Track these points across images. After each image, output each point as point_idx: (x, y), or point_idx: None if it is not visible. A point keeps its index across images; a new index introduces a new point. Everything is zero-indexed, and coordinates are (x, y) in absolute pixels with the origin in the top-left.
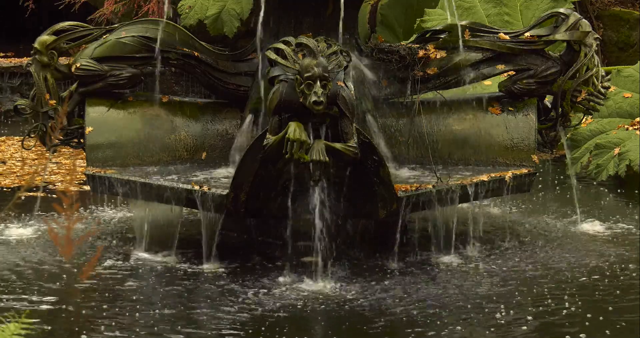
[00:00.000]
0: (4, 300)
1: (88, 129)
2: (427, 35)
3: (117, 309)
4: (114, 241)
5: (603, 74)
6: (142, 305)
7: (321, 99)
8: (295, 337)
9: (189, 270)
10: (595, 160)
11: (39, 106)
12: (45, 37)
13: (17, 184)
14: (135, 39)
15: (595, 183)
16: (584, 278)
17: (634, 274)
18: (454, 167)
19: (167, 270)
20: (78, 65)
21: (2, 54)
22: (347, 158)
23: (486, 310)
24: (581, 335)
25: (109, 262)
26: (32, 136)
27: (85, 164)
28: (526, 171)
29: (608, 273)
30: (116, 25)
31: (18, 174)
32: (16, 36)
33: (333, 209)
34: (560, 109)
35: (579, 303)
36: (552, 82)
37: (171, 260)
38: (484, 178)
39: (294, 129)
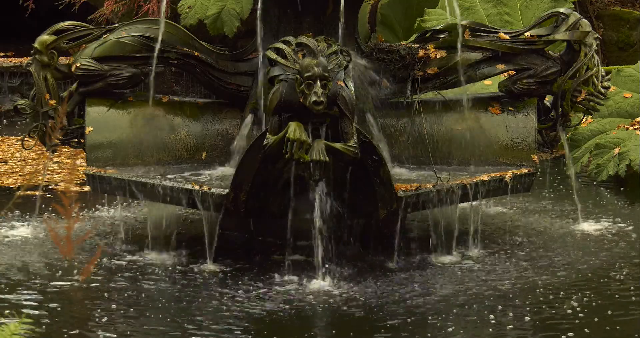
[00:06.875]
0: (4, 299)
1: (88, 129)
2: (427, 35)
3: (117, 309)
4: (114, 241)
5: (603, 74)
6: (143, 305)
7: (321, 99)
8: (295, 336)
9: (189, 269)
10: (595, 160)
11: (39, 105)
12: (46, 37)
13: (19, 184)
14: (136, 39)
15: (595, 183)
16: (584, 278)
17: (633, 274)
18: (454, 167)
19: (168, 269)
20: (78, 65)
21: (2, 54)
22: (347, 158)
23: (485, 309)
24: (580, 336)
25: (109, 262)
26: (32, 135)
27: (85, 164)
28: (526, 171)
29: (608, 273)
30: (116, 25)
31: (20, 173)
32: (16, 36)
33: (333, 209)
34: (560, 109)
35: (578, 303)
36: (552, 82)
37: (172, 259)
38: (484, 178)
39: (294, 129)
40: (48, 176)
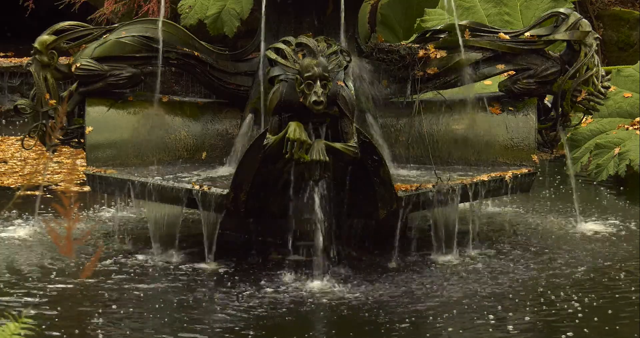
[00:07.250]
0: (4, 299)
1: (88, 128)
2: (427, 35)
3: (117, 309)
4: (114, 241)
5: (603, 73)
6: (142, 305)
7: (321, 99)
8: (295, 336)
9: (189, 269)
10: (595, 160)
11: (39, 105)
12: (46, 37)
13: (19, 184)
14: (136, 39)
15: (595, 183)
16: (584, 279)
17: (633, 274)
18: (454, 167)
19: (168, 269)
20: (78, 65)
21: (2, 54)
22: (347, 158)
23: (485, 309)
24: (580, 336)
25: (109, 262)
26: (32, 135)
27: (85, 164)
28: (526, 171)
29: (608, 273)
30: (116, 25)
31: (20, 173)
32: (16, 36)
33: (333, 209)
34: (560, 109)
35: (578, 303)
36: (552, 82)
37: (172, 259)
38: (484, 178)
39: (294, 129)
40: (48, 176)
